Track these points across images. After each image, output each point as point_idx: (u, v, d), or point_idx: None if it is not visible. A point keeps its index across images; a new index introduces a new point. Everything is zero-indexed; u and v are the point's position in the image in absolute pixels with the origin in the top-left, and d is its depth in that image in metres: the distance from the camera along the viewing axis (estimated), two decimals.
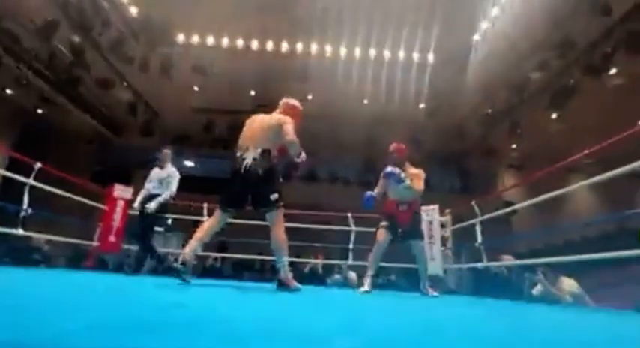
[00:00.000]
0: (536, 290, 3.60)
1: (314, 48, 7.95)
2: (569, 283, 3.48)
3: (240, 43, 7.84)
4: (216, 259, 7.27)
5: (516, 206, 4.22)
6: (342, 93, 9.38)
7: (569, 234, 9.05)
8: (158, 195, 3.90)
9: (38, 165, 3.66)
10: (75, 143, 11.26)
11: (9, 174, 3.71)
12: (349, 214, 5.05)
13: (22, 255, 4.46)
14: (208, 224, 2.32)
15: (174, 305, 1.13)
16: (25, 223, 3.53)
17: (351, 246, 4.97)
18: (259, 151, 2.27)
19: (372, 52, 8.12)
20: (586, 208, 10.60)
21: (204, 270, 6.93)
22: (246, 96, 10.34)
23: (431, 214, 4.74)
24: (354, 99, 9.81)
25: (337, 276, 5.91)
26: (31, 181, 3.60)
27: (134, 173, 11.17)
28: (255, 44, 7.97)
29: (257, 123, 2.45)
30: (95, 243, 4.54)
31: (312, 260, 6.19)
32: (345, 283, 5.66)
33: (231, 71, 8.77)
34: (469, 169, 12.98)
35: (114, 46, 7.70)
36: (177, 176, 4.10)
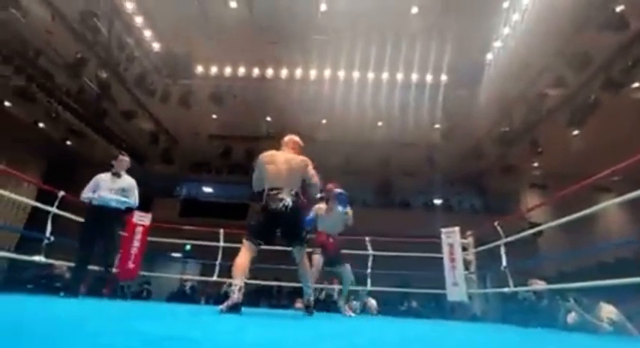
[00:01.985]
0: (571, 318, 3.35)
1: (327, 73, 8.13)
2: (607, 310, 3.21)
3: (255, 71, 8.12)
4: (230, 285, 7.18)
5: (545, 226, 4.01)
6: (355, 117, 9.46)
7: (602, 255, 8.53)
8: (119, 208, 3.50)
9: (61, 193, 3.78)
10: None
11: (31, 202, 3.84)
12: (367, 238, 4.92)
13: (45, 283, 4.53)
14: (244, 259, 2.35)
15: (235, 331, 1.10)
16: (48, 250, 3.61)
17: (368, 271, 4.81)
18: (293, 192, 2.47)
19: (385, 75, 8.23)
20: (618, 228, 10.03)
21: (219, 297, 6.83)
22: (261, 122, 10.59)
23: (452, 237, 4.57)
24: (368, 122, 9.88)
25: (355, 303, 5.70)
26: (54, 210, 3.70)
27: (154, 200, 11.44)
28: (269, 72, 8.24)
29: (283, 162, 2.58)
30: (114, 270, 4.58)
31: (328, 286, 6.02)
32: (364, 310, 5.44)
33: (247, 99, 9.05)
34: (489, 188, 12.64)
35: (138, 79, 8.12)
36: (136, 186, 3.74)
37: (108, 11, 7.02)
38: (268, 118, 10.49)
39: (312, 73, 8.18)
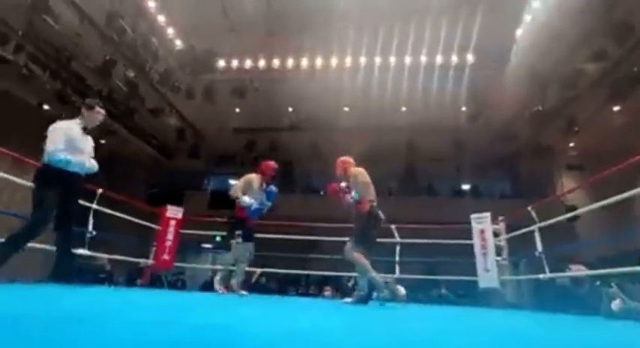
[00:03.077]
0: (616, 305, 3.18)
1: (348, 60, 7.98)
2: None
3: (276, 63, 8.11)
4: (261, 275, 7.39)
5: (583, 209, 3.81)
6: (378, 103, 9.30)
7: None
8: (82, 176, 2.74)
9: (100, 191, 3.99)
10: (132, 169, 12.22)
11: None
12: (393, 226, 4.89)
13: (89, 275, 4.84)
14: (365, 260, 3.03)
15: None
16: (90, 244, 3.84)
17: (397, 258, 4.79)
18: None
19: (408, 59, 7.99)
20: None
21: (251, 286, 7.04)
22: (284, 113, 10.62)
23: (483, 222, 4.45)
24: (391, 108, 9.67)
25: (385, 291, 5.69)
26: (94, 206, 3.92)
27: (184, 194, 11.86)
28: (290, 63, 8.20)
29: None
30: (150, 261, 4.82)
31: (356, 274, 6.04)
32: (393, 299, 5.44)
33: (269, 91, 9.09)
34: (520, 172, 12.14)
35: (163, 77, 8.34)
36: None
37: (132, 11, 7.20)
38: (290, 109, 10.50)
39: (333, 62, 8.06)
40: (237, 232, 3.57)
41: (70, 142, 2.67)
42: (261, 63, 8.08)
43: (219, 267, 4.35)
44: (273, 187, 3.68)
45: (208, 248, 12.03)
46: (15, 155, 3.47)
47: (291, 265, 5.87)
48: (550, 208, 5.07)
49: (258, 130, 11.30)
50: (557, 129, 8.82)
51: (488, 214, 4.49)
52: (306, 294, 8.07)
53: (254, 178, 3.70)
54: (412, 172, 12.36)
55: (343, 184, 3.22)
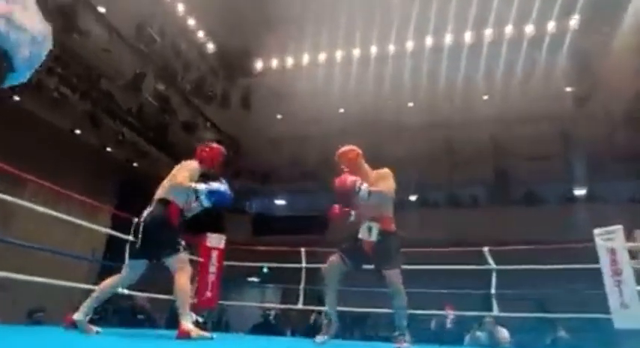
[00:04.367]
0: None
1: (409, 45, 7.84)
2: None
3: (321, 57, 8.25)
4: (320, 313, 7.33)
5: None
6: (452, 93, 8.99)
7: None
8: None
9: (136, 220, 4.28)
10: None
11: (108, 231, 4.41)
12: (485, 249, 4.59)
13: (127, 316, 5.18)
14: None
15: None
16: None
17: (492, 291, 4.47)
18: None
19: (488, 32, 7.61)
20: None
21: (308, 328, 6.99)
22: (334, 115, 10.70)
23: (613, 239, 3.98)
24: (467, 97, 9.30)
25: (479, 333, 5.35)
26: (130, 238, 4.21)
27: (225, 218, 12.36)
28: (339, 55, 8.28)
29: None
30: (192, 300, 5.03)
31: (440, 312, 5.76)
32: (492, 343, 5.07)
33: (315, 90, 9.25)
34: None
35: (196, 86, 8.95)
36: None
37: (161, 18, 7.86)
38: (342, 110, 10.57)
39: (391, 49, 7.98)
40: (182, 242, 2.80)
41: None
42: (305, 58, 8.26)
43: (270, 305, 4.35)
44: (221, 187, 2.90)
45: (255, 282, 12.35)
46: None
47: (357, 300, 5.75)
48: None
49: (305, 139, 11.49)
50: None
51: (618, 228, 4.01)
52: (374, 337, 7.85)
53: (196, 167, 2.98)
54: (503, 176, 11.64)
55: (357, 180, 2.68)
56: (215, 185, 2.91)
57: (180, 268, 2.70)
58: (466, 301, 5.85)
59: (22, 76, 1.14)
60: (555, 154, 10.58)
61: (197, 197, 2.89)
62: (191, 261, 5.29)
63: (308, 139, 11.45)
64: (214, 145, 3.26)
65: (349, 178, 2.69)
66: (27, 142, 8.49)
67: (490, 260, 4.59)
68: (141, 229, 2.81)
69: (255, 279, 12.15)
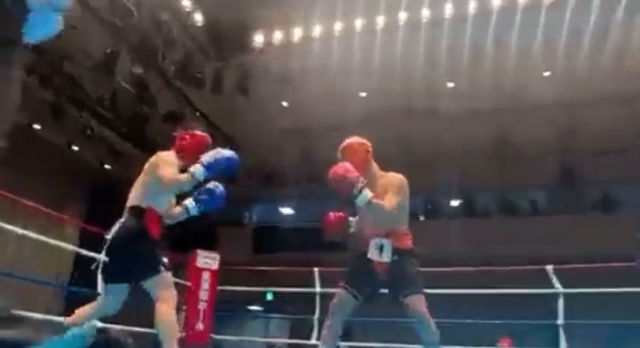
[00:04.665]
0: None
1: (448, 8, 7.72)
2: None
3: (338, 26, 8.15)
4: None
5: None
6: (493, 81, 8.89)
7: None
8: None
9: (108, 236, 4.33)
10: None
11: (75, 248, 4.47)
12: (549, 267, 4.54)
13: None
14: None
15: None
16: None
17: (559, 321, 4.43)
18: None
19: None
20: None
21: None
22: (354, 101, 10.67)
23: None
24: (525, 74, 9.19)
25: None
26: (102, 257, 4.26)
27: (219, 232, 12.40)
28: (359, 23, 8.20)
29: None
30: (179, 333, 5.06)
31: None
32: None
33: (329, 70, 9.23)
34: None
35: (180, 68, 9.00)
36: None
37: None
38: (363, 94, 10.50)
39: (425, 14, 7.81)
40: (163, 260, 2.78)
41: None
42: (316, 29, 8.19)
43: (276, 340, 4.37)
44: (215, 186, 2.95)
45: (257, 311, 12.38)
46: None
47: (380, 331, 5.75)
48: None
49: (315, 131, 11.47)
50: None
51: None
52: None
53: (173, 160, 2.91)
54: (569, 176, 11.47)
55: (359, 178, 2.61)
56: (208, 186, 2.87)
57: (163, 293, 2.67)
58: (525, 333, 5.78)
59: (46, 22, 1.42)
60: (635, 147, 10.41)
61: (180, 202, 2.89)
62: (177, 285, 5.34)
63: (320, 131, 11.45)
64: (197, 132, 3.10)
65: (349, 172, 2.59)
66: None
67: (556, 282, 4.55)
68: (113, 244, 2.77)
69: (257, 307, 12.19)
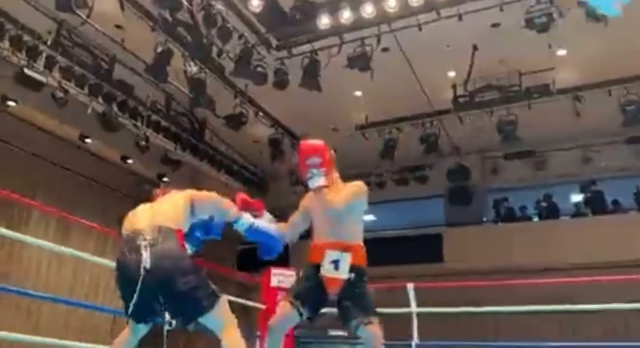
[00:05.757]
0: None
1: None
2: None
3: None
4: None
5: None
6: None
7: None
8: None
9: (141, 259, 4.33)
10: None
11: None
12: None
13: None
14: None
15: None
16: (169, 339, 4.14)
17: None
18: None
19: None
20: None
21: None
22: (442, 82, 10.39)
23: None
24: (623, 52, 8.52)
25: None
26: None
27: (292, 245, 12.39)
28: None
29: None
30: None
31: None
32: None
33: (411, 49, 9.06)
34: None
35: (239, 64, 9.09)
36: None
37: None
38: (452, 74, 10.20)
39: None
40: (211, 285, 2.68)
41: None
42: (390, 2, 7.94)
43: None
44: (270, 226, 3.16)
45: (340, 337, 12.22)
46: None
47: None
48: None
49: (399, 122, 11.37)
50: None
51: None
52: None
53: None
54: None
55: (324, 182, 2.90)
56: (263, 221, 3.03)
57: (228, 321, 2.59)
58: None
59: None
60: None
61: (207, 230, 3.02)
62: (245, 308, 5.25)
63: (404, 121, 11.22)
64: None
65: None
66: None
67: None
68: (147, 271, 2.45)
69: (340, 333, 12.04)
